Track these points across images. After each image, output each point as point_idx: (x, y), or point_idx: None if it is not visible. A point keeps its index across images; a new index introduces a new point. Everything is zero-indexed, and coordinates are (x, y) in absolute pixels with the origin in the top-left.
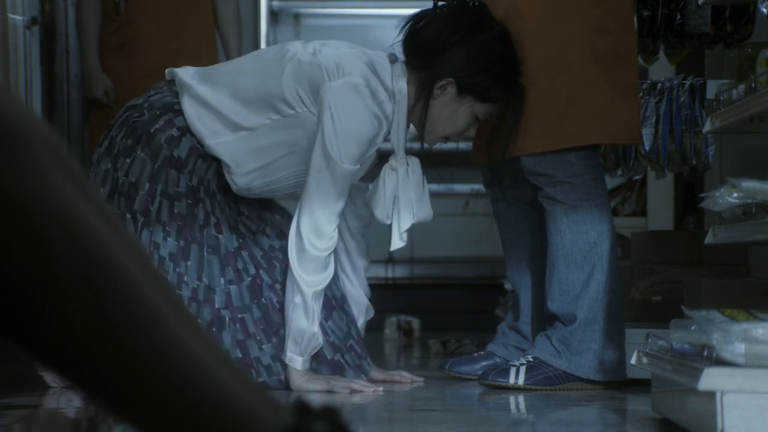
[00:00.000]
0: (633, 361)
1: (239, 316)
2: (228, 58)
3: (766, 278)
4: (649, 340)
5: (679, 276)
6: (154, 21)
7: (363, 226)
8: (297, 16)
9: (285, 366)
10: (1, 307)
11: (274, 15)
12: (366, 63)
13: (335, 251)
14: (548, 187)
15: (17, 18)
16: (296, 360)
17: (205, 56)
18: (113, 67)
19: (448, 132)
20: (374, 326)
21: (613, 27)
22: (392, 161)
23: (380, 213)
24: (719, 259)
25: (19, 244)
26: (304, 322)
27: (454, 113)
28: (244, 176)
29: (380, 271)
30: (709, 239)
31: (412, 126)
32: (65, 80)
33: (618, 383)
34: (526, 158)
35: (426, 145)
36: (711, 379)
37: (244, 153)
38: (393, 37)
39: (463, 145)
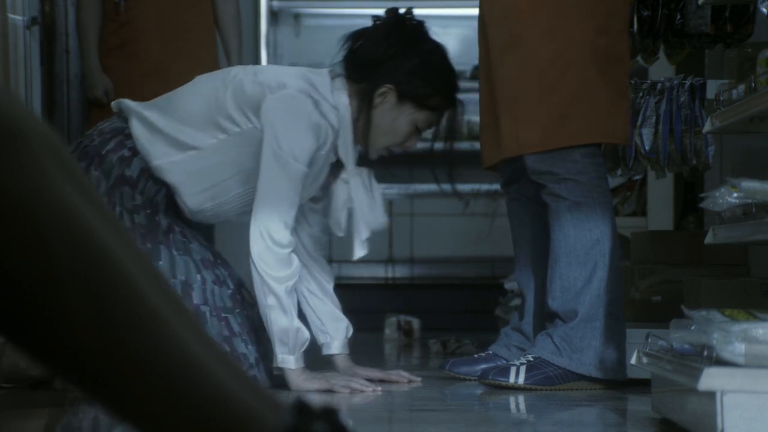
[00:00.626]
0: (633, 361)
1: (223, 315)
2: (228, 58)
3: (766, 278)
4: (649, 340)
5: (679, 276)
6: (154, 21)
7: (322, 247)
8: (297, 16)
9: (270, 368)
10: (1, 307)
11: (274, 15)
12: (305, 80)
13: (302, 278)
14: (552, 184)
15: (17, 18)
16: (288, 360)
17: (205, 56)
18: (113, 67)
19: (390, 142)
20: (374, 326)
21: (611, 28)
22: (343, 174)
23: (334, 225)
24: (719, 259)
25: (19, 244)
26: (285, 320)
27: (395, 121)
28: (194, 196)
29: (380, 271)
30: (709, 239)
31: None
32: (65, 80)
33: (618, 383)
34: (529, 157)
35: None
36: (711, 379)
37: (192, 172)
38: None
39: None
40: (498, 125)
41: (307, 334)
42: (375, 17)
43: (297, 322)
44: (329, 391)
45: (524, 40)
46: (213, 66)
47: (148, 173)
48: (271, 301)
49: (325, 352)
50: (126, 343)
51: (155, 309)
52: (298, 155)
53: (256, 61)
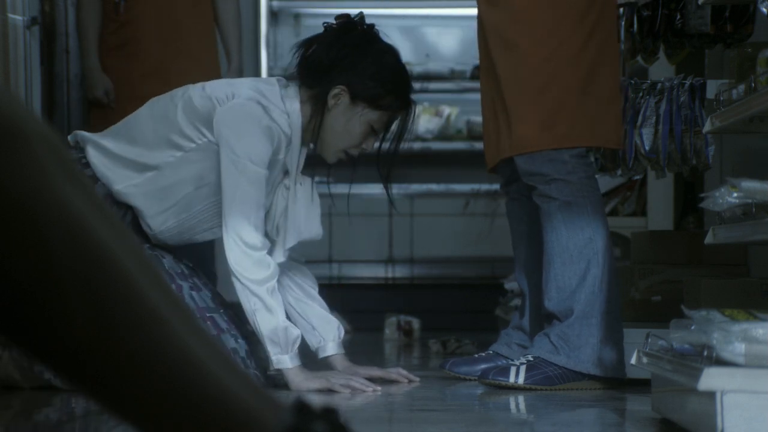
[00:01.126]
0: (633, 361)
1: (207, 315)
2: (228, 57)
3: (766, 278)
4: (649, 340)
5: (679, 276)
6: (154, 21)
7: (300, 254)
8: (297, 16)
9: (259, 361)
10: (1, 307)
11: (274, 15)
12: (253, 89)
13: (285, 287)
14: (542, 185)
15: (17, 18)
16: (283, 360)
17: (205, 56)
18: (113, 67)
19: (346, 144)
20: (374, 326)
21: (601, 34)
22: (286, 181)
23: (269, 228)
24: (719, 259)
25: (19, 244)
26: (271, 320)
27: (349, 122)
28: (157, 216)
29: (380, 271)
30: (709, 239)
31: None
32: (65, 80)
33: (618, 382)
34: (519, 158)
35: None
36: (711, 379)
37: (153, 192)
38: (393, 38)
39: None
40: (497, 127)
41: (297, 331)
42: (325, 23)
43: (284, 321)
44: (329, 390)
45: (518, 45)
46: (213, 66)
47: (111, 198)
48: (255, 304)
49: (321, 355)
50: (126, 343)
51: (155, 309)
52: (255, 159)
53: (257, 61)
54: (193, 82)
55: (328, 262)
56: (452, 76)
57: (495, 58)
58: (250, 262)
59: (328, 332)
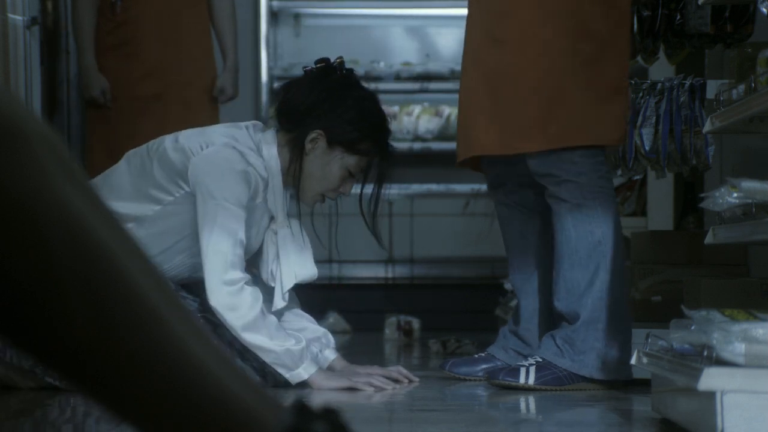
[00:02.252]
0: (633, 361)
1: (199, 315)
2: (224, 55)
3: (766, 278)
4: (649, 340)
5: (679, 276)
6: (151, 21)
7: (292, 297)
8: (297, 16)
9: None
10: (1, 307)
11: (274, 15)
12: (227, 136)
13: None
14: (553, 186)
15: (17, 18)
16: (297, 374)
17: (202, 56)
18: (110, 67)
19: (323, 188)
20: (374, 326)
21: (601, 30)
22: (273, 225)
23: (264, 274)
24: (719, 259)
25: (19, 244)
26: (272, 351)
27: (327, 166)
28: None
29: (380, 271)
30: (709, 239)
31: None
32: (65, 80)
33: (623, 383)
34: (530, 159)
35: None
36: (711, 379)
37: None
38: (393, 37)
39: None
40: (474, 122)
41: (299, 344)
42: (305, 67)
43: (281, 344)
44: (351, 389)
45: (506, 42)
46: (209, 65)
47: None
48: (250, 337)
49: (323, 365)
50: (126, 343)
51: (155, 309)
52: (232, 199)
53: (256, 61)
54: (191, 80)
55: (328, 262)
56: (452, 76)
57: (482, 53)
58: (232, 299)
59: (320, 343)
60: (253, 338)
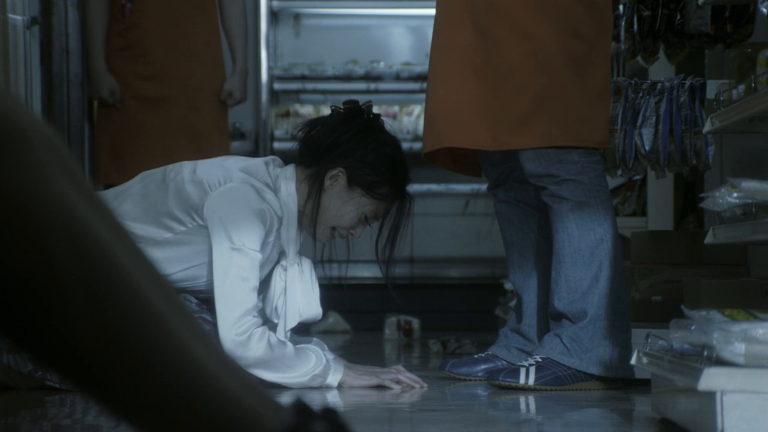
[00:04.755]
0: (633, 361)
1: (196, 315)
2: (233, 58)
3: (766, 278)
4: (649, 340)
5: (679, 276)
6: (159, 23)
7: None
8: (297, 16)
9: None
10: (2, 307)
11: (274, 15)
12: (245, 171)
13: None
14: (553, 186)
15: (17, 18)
16: (329, 384)
17: (210, 58)
18: (118, 69)
19: (336, 224)
20: (374, 326)
21: (589, 32)
22: (283, 261)
23: (268, 309)
24: (719, 259)
25: (19, 244)
26: (294, 379)
27: (344, 205)
28: None
29: (380, 271)
30: (709, 239)
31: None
32: (65, 80)
33: (624, 382)
34: (527, 161)
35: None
36: (711, 379)
37: None
38: (393, 37)
39: None
40: (459, 116)
41: (321, 360)
42: (333, 106)
43: (301, 372)
44: (380, 386)
45: (498, 39)
46: (218, 67)
47: None
48: (271, 376)
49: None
50: (126, 342)
51: (155, 309)
52: (249, 242)
53: (257, 61)
54: (198, 83)
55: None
56: None
57: (467, 44)
58: (243, 349)
59: (314, 347)
60: (271, 376)
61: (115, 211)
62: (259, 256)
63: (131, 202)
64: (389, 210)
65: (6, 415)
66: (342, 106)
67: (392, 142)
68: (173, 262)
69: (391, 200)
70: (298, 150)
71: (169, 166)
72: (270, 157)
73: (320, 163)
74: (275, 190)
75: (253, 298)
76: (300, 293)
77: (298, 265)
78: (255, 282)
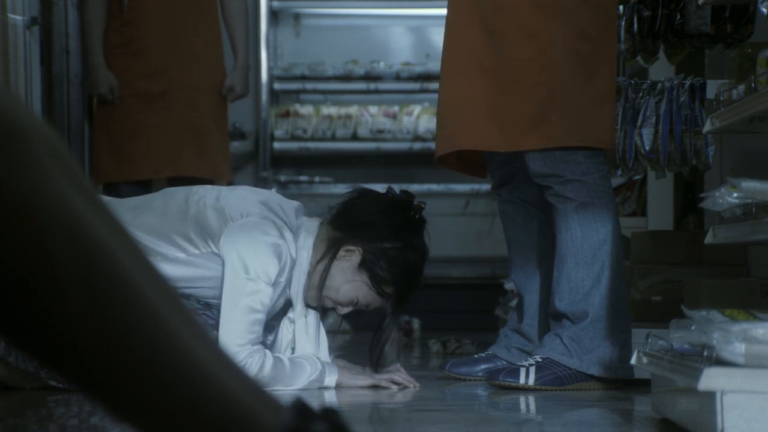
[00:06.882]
0: (633, 361)
1: (200, 312)
2: (235, 54)
3: (766, 278)
4: (649, 340)
5: (679, 276)
6: (158, 20)
7: None
8: (297, 16)
9: None
10: (2, 307)
11: (274, 15)
12: (267, 207)
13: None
14: (558, 186)
15: (17, 18)
16: (325, 383)
17: (209, 55)
18: (117, 65)
19: (329, 294)
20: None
21: (595, 33)
22: (291, 314)
23: None
24: (719, 259)
25: (19, 244)
26: (293, 387)
27: (346, 283)
28: None
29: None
30: (709, 239)
31: None
32: (65, 80)
33: (624, 382)
34: (532, 161)
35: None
36: (711, 379)
37: None
38: (393, 37)
39: None
40: (469, 118)
41: (316, 365)
42: (389, 187)
43: (298, 382)
44: (375, 386)
45: (506, 40)
46: (218, 64)
47: None
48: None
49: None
50: (126, 343)
51: (155, 309)
52: (262, 274)
53: (257, 60)
54: (197, 80)
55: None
56: None
57: (476, 44)
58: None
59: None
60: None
61: (122, 218)
62: (270, 291)
63: (150, 216)
64: (382, 310)
65: (12, 416)
66: (399, 192)
67: (421, 251)
68: (180, 279)
69: (387, 300)
70: (335, 208)
71: (194, 188)
72: (296, 202)
73: (346, 232)
74: (295, 236)
75: (258, 330)
76: (309, 347)
77: (305, 317)
78: (263, 316)
